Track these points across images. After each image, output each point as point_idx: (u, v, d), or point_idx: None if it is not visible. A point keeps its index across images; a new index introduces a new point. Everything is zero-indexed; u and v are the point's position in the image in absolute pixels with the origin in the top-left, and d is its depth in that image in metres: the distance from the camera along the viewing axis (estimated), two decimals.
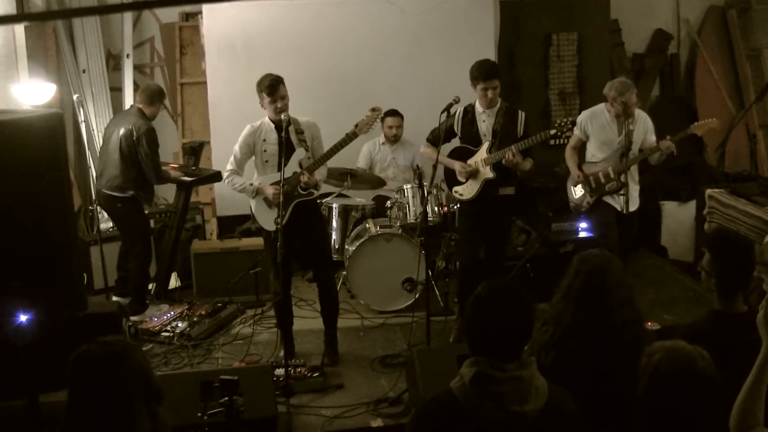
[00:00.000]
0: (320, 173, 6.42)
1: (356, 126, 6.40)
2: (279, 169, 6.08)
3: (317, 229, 6.72)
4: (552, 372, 3.02)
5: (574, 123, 6.65)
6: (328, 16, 8.94)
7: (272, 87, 6.14)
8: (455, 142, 6.85)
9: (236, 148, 6.41)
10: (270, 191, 6.31)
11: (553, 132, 6.51)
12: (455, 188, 6.84)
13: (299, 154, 6.31)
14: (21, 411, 4.90)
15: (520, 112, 6.70)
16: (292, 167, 6.26)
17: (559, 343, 3.84)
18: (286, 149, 6.14)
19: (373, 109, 6.54)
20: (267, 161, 6.37)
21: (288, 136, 6.22)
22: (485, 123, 6.63)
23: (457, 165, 6.70)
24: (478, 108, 6.65)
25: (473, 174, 6.67)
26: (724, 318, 3.86)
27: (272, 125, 6.28)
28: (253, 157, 6.46)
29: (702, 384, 2.88)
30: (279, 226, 5.77)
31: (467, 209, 6.86)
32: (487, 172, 6.60)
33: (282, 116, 6.15)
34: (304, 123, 6.36)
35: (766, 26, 10.63)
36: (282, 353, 6.34)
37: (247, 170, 6.52)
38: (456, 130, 6.74)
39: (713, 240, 4.16)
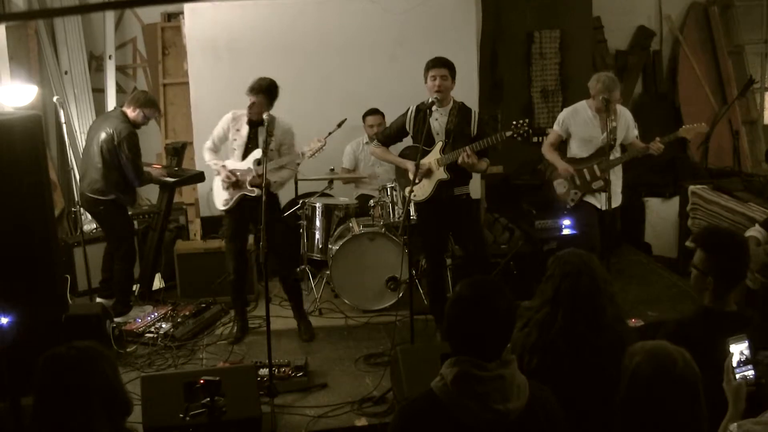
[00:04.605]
0: (280, 176, 6.67)
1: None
2: (242, 159, 6.77)
3: (271, 223, 6.42)
4: (536, 375, 3.01)
5: (529, 124, 6.38)
6: (310, 15, 8.91)
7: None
8: (407, 141, 6.77)
9: (215, 129, 6.93)
10: (223, 174, 6.76)
11: (509, 134, 6.34)
12: (407, 188, 6.69)
13: (256, 153, 6.62)
14: (2, 413, 4.88)
15: (473, 110, 6.56)
16: (248, 163, 6.74)
17: (545, 346, 3.80)
18: (251, 146, 6.72)
19: (318, 140, 7.24)
20: (234, 150, 6.82)
21: (256, 133, 6.65)
22: (438, 121, 6.46)
23: (410, 165, 6.48)
24: (431, 106, 6.41)
25: (426, 174, 6.51)
26: (715, 316, 3.82)
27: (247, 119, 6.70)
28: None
29: (681, 387, 2.88)
30: (261, 226, 5.75)
31: (423, 210, 6.71)
32: (441, 173, 6.43)
33: (264, 116, 6.31)
34: (280, 126, 6.53)
35: (748, 22, 10.72)
36: (235, 330, 7.01)
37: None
38: (408, 128, 6.59)
39: (709, 238, 4.03)
